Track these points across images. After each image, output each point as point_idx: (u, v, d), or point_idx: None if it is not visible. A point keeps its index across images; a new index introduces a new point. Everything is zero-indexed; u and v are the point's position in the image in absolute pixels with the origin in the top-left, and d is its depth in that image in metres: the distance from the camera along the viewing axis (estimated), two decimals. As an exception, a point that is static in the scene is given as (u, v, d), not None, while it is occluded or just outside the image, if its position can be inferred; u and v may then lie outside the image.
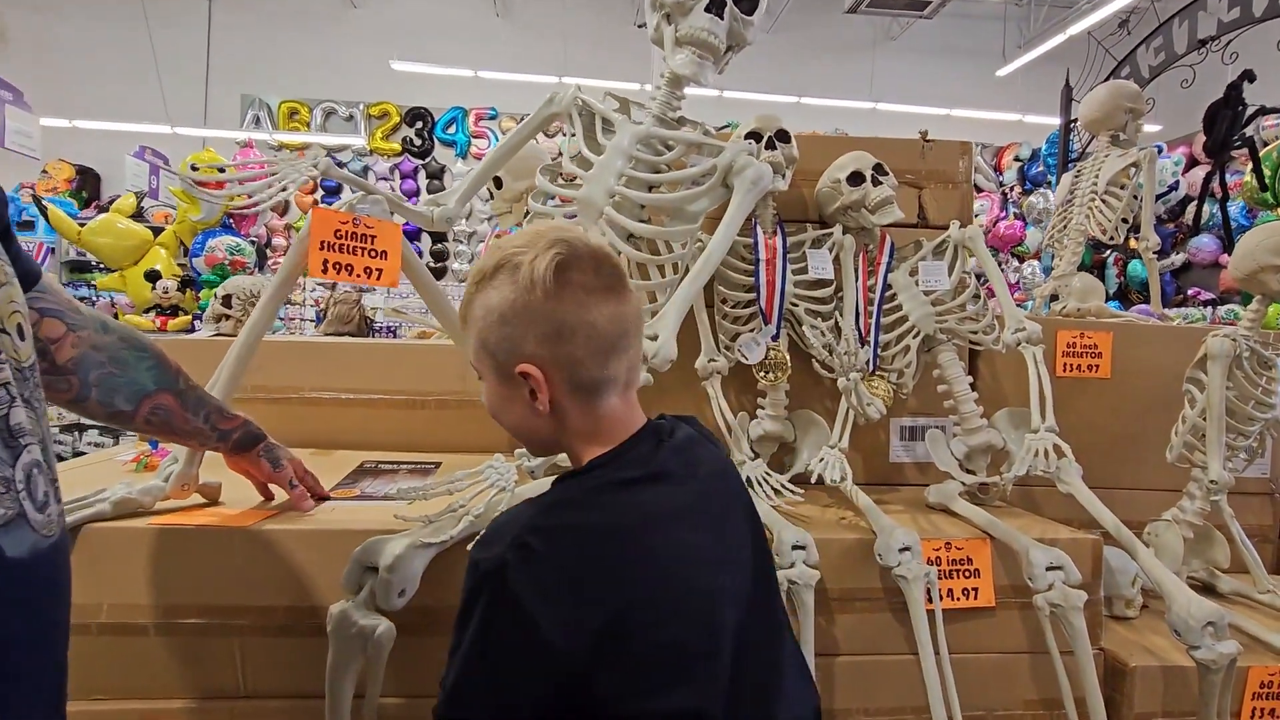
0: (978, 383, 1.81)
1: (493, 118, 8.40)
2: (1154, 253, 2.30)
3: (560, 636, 0.70)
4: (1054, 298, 2.33)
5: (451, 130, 8.37)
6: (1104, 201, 2.27)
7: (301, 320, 6.37)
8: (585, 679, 0.71)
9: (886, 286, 1.64)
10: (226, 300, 2.01)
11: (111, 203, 5.81)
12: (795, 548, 1.21)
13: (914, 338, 1.61)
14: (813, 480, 1.47)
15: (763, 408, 1.63)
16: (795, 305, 1.61)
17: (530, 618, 0.69)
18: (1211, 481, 1.49)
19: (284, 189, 1.15)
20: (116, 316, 5.87)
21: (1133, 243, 2.42)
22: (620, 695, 0.72)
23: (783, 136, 1.59)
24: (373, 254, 1.21)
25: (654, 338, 1.24)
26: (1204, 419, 1.53)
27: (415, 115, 8.35)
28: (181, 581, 1.11)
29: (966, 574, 1.31)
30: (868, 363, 1.58)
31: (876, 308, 1.62)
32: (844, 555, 1.30)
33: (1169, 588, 1.21)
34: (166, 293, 4.02)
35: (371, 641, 0.99)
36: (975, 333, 1.60)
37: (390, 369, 1.81)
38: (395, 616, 1.02)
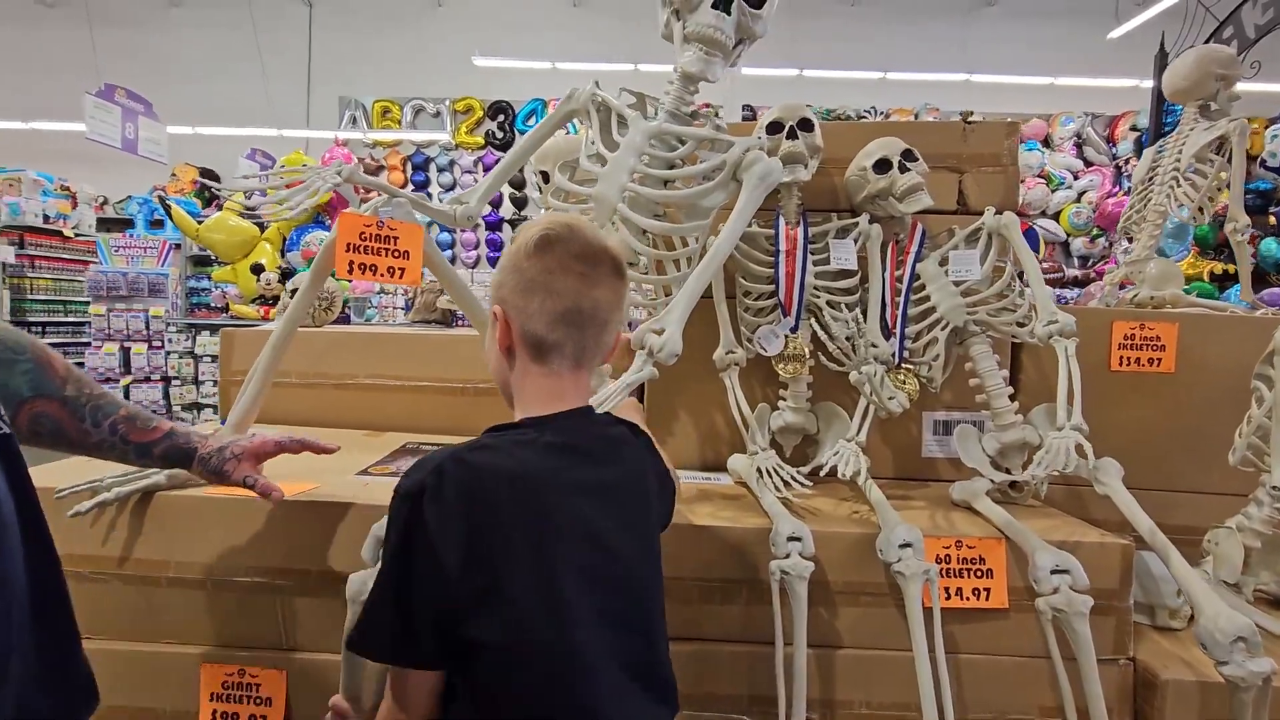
0: (1021, 377, 1.74)
1: (570, 108, 8.54)
2: (1241, 235, 2.08)
3: (455, 565, 0.75)
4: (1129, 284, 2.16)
5: (532, 122, 8.61)
6: (1187, 179, 2.08)
7: (394, 309, 6.82)
8: (467, 616, 0.76)
9: (915, 277, 1.59)
10: (295, 293, 2.21)
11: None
12: (791, 539, 1.22)
13: (942, 330, 1.55)
14: (822, 474, 1.46)
15: (784, 399, 1.64)
16: (817, 296, 1.59)
17: (434, 542, 0.75)
18: (1274, 488, 1.37)
19: (314, 194, 1.27)
20: (227, 307, 6.48)
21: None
22: (488, 644, 0.76)
23: (805, 125, 1.57)
24: (395, 254, 1.31)
25: (660, 331, 1.28)
26: (1271, 418, 1.40)
27: (497, 109, 8.66)
28: (233, 544, 1.26)
29: (978, 574, 1.28)
30: (893, 355, 1.55)
31: (904, 299, 1.58)
32: (848, 549, 1.29)
33: (1198, 598, 1.13)
34: (269, 284, 4.42)
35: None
36: (1009, 324, 1.53)
37: (436, 358, 1.94)
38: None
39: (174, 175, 8.22)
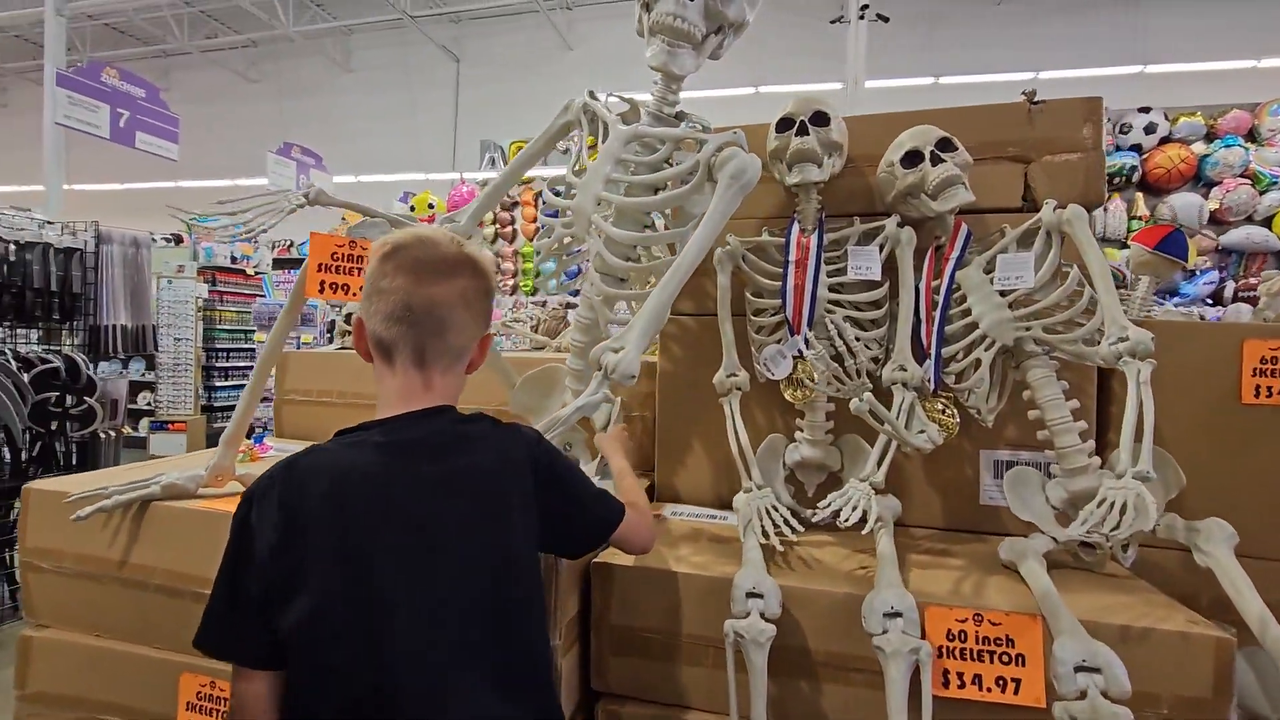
0: (1112, 409, 1.40)
1: (690, 135, 8.59)
2: None
3: (266, 556, 0.77)
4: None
5: (654, 152, 8.75)
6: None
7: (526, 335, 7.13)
8: (278, 605, 0.76)
9: (955, 286, 1.33)
10: (349, 318, 2.34)
11: (377, 240, 7.10)
12: (751, 595, 1.03)
13: (986, 349, 1.28)
14: (815, 519, 1.25)
15: (801, 430, 1.43)
16: (833, 312, 1.38)
17: (254, 537, 0.78)
18: None
19: (284, 212, 1.30)
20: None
21: None
22: (295, 630, 0.76)
23: (819, 120, 1.39)
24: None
25: (618, 350, 1.16)
26: None
27: (620, 141, 8.89)
28: (212, 556, 1.30)
29: (1004, 658, 1.00)
30: (927, 381, 1.30)
31: (940, 312, 1.32)
32: (832, 612, 1.07)
33: (1320, 728, 0.80)
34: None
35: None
36: (1074, 342, 1.23)
37: (471, 381, 1.93)
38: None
39: (342, 219, 9.29)
